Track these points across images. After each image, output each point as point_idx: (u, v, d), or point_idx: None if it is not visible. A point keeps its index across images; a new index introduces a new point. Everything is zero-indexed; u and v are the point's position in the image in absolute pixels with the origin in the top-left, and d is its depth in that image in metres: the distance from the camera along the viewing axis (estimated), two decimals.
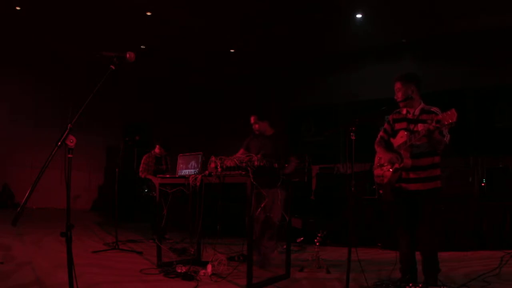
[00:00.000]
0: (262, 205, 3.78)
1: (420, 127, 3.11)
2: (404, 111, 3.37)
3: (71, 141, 2.06)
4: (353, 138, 3.06)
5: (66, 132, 2.05)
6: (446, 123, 2.75)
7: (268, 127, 4.56)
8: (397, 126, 3.38)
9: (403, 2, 7.52)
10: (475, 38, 8.35)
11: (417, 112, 3.28)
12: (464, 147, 8.00)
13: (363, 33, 8.73)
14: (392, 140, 3.39)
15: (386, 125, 3.51)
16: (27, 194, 1.93)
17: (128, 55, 2.37)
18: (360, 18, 8.34)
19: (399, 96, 3.34)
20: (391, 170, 3.24)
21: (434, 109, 3.22)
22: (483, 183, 6.57)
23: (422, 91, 3.37)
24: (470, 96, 8.40)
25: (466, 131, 8.09)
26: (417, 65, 9.19)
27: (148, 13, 8.40)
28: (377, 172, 3.42)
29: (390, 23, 8.46)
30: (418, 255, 3.31)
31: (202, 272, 3.71)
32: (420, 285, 3.08)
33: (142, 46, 9.97)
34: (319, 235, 4.31)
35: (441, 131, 3.00)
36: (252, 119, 4.54)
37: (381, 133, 3.54)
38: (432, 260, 3.17)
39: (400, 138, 3.26)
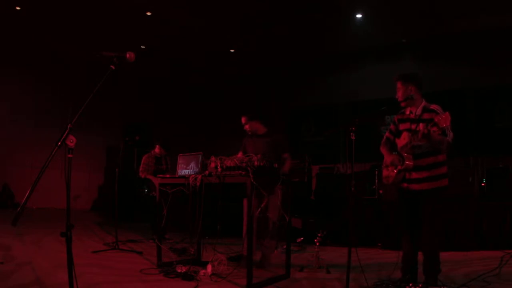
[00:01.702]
0: (262, 205, 3.78)
1: (421, 126, 3.12)
2: (408, 111, 3.39)
3: (71, 141, 2.06)
4: (353, 138, 3.06)
5: (66, 132, 2.05)
6: (441, 126, 2.76)
7: (260, 126, 4.50)
8: (402, 126, 3.40)
9: (403, 2, 7.53)
10: (475, 38, 8.36)
11: (419, 111, 3.29)
12: (464, 147, 7.99)
13: (363, 33, 8.74)
14: (397, 140, 3.41)
15: (392, 126, 3.53)
16: (27, 194, 1.93)
17: (128, 55, 2.37)
18: (360, 18, 8.34)
19: (399, 95, 3.36)
20: (395, 171, 3.25)
21: (433, 107, 3.23)
22: (483, 183, 6.57)
23: (422, 91, 3.38)
24: (470, 96, 8.41)
25: (466, 131, 8.10)
26: (417, 65, 9.18)
27: (148, 13, 8.40)
28: (384, 172, 3.45)
29: (390, 23, 8.47)
30: (420, 255, 3.32)
31: (202, 272, 3.70)
32: (420, 285, 3.08)
33: (142, 46, 9.97)
34: (319, 235, 4.31)
35: (444, 131, 3.01)
36: (243, 120, 4.49)
37: (387, 134, 3.55)
38: (432, 260, 3.17)
39: (403, 139, 3.28)
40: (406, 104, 3.36)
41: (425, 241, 3.20)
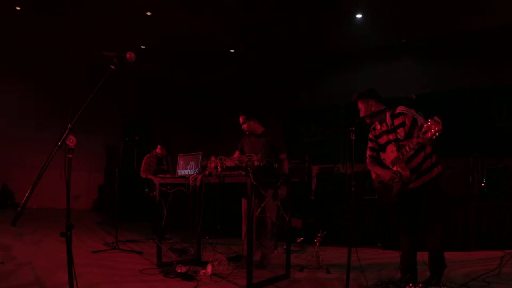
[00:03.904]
0: (262, 205, 3.77)
1: (401, 132, 3.18)
2: (378, 126, 3.42)
3: (71, 141, 2.06)
4: (353, 138, 3.06)
5: (66, 132, 2.05)
6: (432, 133, 2.75)
7: (258, 126, 4.48)
8: (381, 141, 3.42)
9: (403, 2, 7.53)
10: (475, 38, 8.36)
11: (389, 121, 3.31)
12: (464, 147, 8.00)
13: (363, 33, 8.74)
14: (382, 155, 3.41)
15: (370, 144, 3.54)
16: (27, 194, 1.93)
17: (128, 55, 2.37)
18: (360, 18, 8.34)
19: (362, 114, 3.43)
20: (395, 186, 3.25)
21: (399, 109, 3.27)
22: (483, 183, 6.56)
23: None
24: (470, 96, 8.41)
25: (466, 131, 8.10)
26: (417, 65, 9.19)
27: (148, 13, 8.40)
28: (378, 186, 3.43)
29: (390, 23, 8.47)
30: (419, 255, 3.32)
31: (202, 272, 3.71)
32: (420, 285, 3.08)
33: (142, 46, 9.98)
34: (319, 235, 4.31)
35: (416, 123, 3.10)
36: (241, 119, 4.46)
37: (369, 153, 3.54)
38: (434, 258, 3.16)
39: (390, 153, 3.27)
40: (371, 120, 3.42)
41: (426, 239, 3.21)
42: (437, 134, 2.74)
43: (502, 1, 7.22)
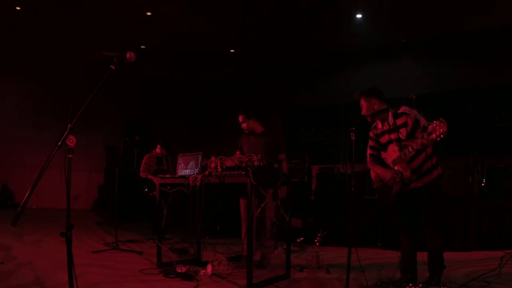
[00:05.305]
0: (262, 205, 3.77)
1: (403, 132, 3.17)
2: (380, 125, 3.41)
3: (71, 141, 2.06)
4: (353, 138, 3.05)
5: (66, 132, 2.05)
6: (437, 134, 2.73)
7: (257, 125, 4.45)
8: (382, 140, 3.41)
9: (403, 2, 7.53)
10: (475, 38, 8.36)
11: (391, 120, 3.29)
12: (464, 147, 8.00)
13: (363, 33, 8.74)
14: (383, 154, 3.40)
15: (371, 142, 3.52)
16: (27, 194, 1.93)
17: (128, 55, 2.37)
18: (360, 18, 8.34)
19: (364, 111, 3.42)
20: (395, 185, 3.24)
21: (402, 109, 3.26)
22: (483, 183, 6.56)
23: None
24: (470, 96, 8.41)
25: (466, 131, 8.09)
26: (417, 65, 9.19)
27: (148, 13, 8.41)
28: (378, 185, 3.42)
29: (390, 23, 8.47)
30: (419, 255, 3.32)
31: (202, 272, 3.71)
32: (420, 285, 3.08)
33: (142, 46, 9.98)
34: (319, 235, 4.31)
35: (418, 124, 3.10)
36: (240, 118, 4.43)
37: (369, 151, 3.52)
38: (433, 258, 3.16)
39: (392, 152, 3.27)
40: (372, 118, 3.40)
41: (426, 239, 3.21)
42: (441, 136, 2.72)
43: (502, 1, 7.22)
